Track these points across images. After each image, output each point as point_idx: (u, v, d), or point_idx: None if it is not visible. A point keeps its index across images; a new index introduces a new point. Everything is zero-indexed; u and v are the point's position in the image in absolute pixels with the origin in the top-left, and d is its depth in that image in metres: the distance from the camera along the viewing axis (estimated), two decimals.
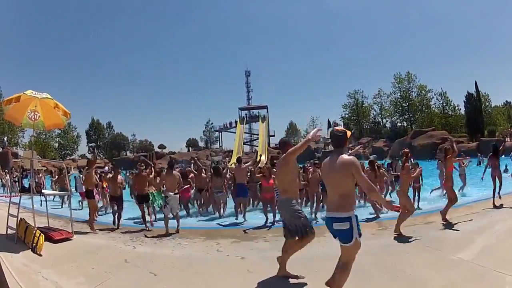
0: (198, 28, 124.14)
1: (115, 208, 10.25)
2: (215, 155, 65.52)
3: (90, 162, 10.78)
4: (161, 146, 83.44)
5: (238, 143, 60.52)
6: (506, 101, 71.31)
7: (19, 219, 7.70)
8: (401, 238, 7.24)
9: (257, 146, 63.77)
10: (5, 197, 17.77)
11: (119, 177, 10.39)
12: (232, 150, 61.11)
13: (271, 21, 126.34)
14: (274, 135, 70.94)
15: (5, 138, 57.30)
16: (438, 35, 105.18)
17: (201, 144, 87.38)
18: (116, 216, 10.05)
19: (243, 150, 62.63)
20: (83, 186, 11.30)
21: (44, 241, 7.03)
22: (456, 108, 69.23)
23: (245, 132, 67.59)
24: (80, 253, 6.91)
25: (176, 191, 9.27)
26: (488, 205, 9.67)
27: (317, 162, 12.35)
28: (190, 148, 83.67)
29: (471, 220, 8.21)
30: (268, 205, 9.97)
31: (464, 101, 63.81)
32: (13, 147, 60.66)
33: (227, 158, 39.36)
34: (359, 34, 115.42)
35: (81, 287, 5.09)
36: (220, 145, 78.92)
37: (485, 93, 67.00)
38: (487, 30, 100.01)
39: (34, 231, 7.06)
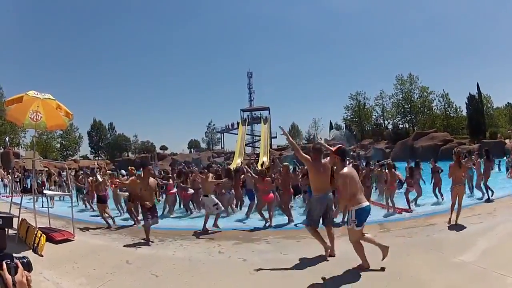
0: (200, 29, 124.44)
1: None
2: (217, 156, 65.65)
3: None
4: (163, 147, 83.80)
5: (240, 144, 60.51)
6: (508, 102, 71.14)
7: (20, 220, 7.71)
8: (402, 239, 7.27)
9: (259, 148, 63.89)
10: (6, 197, 17.84)
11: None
12: (234, 152, 61.18)
13: (272, 22, 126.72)
14: (276, 137, 70.79)
15: (7, 138, 57.65)
16: (440, 37, 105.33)
17: (203, 145, 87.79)
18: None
19: (245, 152, 62.70)
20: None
21: (46, 241, 7.06)
22: (458, 109, 69.21)
23: (247, 134, 67.53)
24: (82, 254, 6.91)
25: None
26: (489, 207, 9.66)
27: None
28: (192, 150, 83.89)
29: (472, 222, 8.17)
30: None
31: (466, 102, 63.74)
32: (15, 147, 60.83)
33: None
34: (360, 35, 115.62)
35: None
36: (222, 146, 78.92)
37: (487, 94, 66.97)
38: (489, 31, 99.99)
39: (36, 232, 7.08)
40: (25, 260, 1.42)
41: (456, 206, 8.53)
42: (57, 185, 18.08)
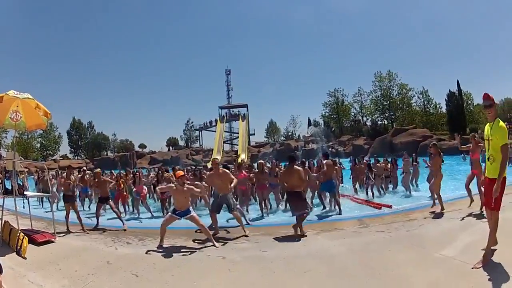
0: (178, 26, 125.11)
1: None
2: (195, 154, 65.52)
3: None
4: (142, 146, 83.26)
5: (218, 142, 60.66)
6: None
7: (3, 222, 7.71)
8: (382, 235, 7.28)
9: (237, 145, 63.97)
10: None
11: None
12: (212, 149, 61.19)
13: (251, 19, 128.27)
14: (254, 134, 71.58)
15: None
16: (421, 35, 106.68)
17: (182, 143, 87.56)
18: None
19: (223, 149, 62.83)
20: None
21: (28, 243, 7.09)
22: (438, 106, 70.25)
23: (225, 131, 67.82)
24: (64, 256, 6.92)
25: None
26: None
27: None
28: (171, 147, 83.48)
29: (453, 217, 8.21)
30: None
31: (445, 99, 64.74)
32: None
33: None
34: (340, 34, 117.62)
35: None
36: (201, 144, 79.23)
37: (467, 91, 68.10)
38: (470, 29, 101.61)
39: (18, 234, 7.10)
40: None
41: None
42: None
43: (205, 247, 7.30)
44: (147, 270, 5.92)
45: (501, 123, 4.84)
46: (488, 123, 5.07)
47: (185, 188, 7.78)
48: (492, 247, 5.04)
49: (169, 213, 8.05)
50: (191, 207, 8.10)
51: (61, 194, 13.08)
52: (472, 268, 4.72)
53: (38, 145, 76.68)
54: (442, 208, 8.94)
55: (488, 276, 4.46)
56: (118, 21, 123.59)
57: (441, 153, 9.73)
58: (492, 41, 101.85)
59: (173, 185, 8.25)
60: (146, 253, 7.08)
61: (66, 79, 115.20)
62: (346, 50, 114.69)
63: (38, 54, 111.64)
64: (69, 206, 9.72)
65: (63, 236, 8.72)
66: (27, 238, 7.12)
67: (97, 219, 10.17)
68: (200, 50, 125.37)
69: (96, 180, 10.64)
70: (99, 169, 11.73)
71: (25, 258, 6.66)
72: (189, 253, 6.97)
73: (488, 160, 4.96)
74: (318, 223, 9.32)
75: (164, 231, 7.65)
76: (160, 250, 7.25)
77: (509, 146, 4.82)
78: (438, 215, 8.60)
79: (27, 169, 21.38)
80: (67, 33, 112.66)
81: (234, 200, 9.40)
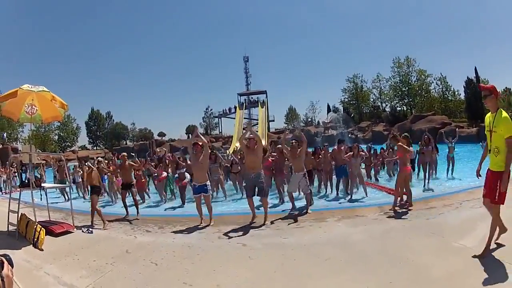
0: (195, 14, 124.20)
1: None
2: (215, 141, 65.72)
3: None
4: (161, 134, 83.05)
5: (238, 128, 60.15)
6: (506, 87, 70.82)
7: (20, 215, 7.69)
8: (402, 223, 7.24)
9: (257, 131, 63.91)
10: (5, 193, 17.81)
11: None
12: (232, 136, 61.16)
13: (269, 5, 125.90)
14: (273, 120, 71.01)
15: (5, 134, 57.50)
16: (438, 19, 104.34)
17: (201, 130, 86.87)
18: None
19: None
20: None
21: (45, 235, 7.05)
22: (456, 93, 69.08)
23: (244, 118, 67.33)
24: (82, 246, 6.90)
25: None
26: None
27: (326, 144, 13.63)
28: (190, 135, 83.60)
29: (472, 206, 8.03)
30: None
31: (464, 86, 63.63)
32: (13, 142, 60.69)
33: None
34: (357, 18, 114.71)
35: (83, 281, 5.04)
36: (220, 131, 78.88)
37: (485, 79, 66.58)
38: (487, 14, 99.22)
39: (35, 226, 7.06)
40: (8, 257, 1.48)
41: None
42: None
43: (225, 234, 7.22)
44: (167, 259, 5.85)
45: (504, 113, 4.71)
46: (489, 113, 4.95)
47: (201, 157, 8.53)
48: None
49: (194, 195, 8.71)
50: (208, 182, 8.72)
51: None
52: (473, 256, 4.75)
53: (56, 137, 77.54)
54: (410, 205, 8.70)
55: (507, 267, 4.38)
56: (136, 9, 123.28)
57: (411, 144, 9.39)
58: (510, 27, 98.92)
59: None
60: (166, 241, 7.01)
61: (84, 72, 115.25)
62: (363, 34, 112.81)
63: (55, 48, 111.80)
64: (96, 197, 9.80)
65: (81, 226, 8.64)
66: (44, 230, 7.06)
67: (126, 208, 10.04)
68: (218, 37, 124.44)
69: (121, 164, 10.59)
70: (124, 153, 11.48)
71: (42, 250, 6.63)
72: (210, 240, 6.91)
73: (492, 153, 4.79)
74: (339, 210, 9.19)
75: (200, 210, 8.51)
76: (180, 237, 7.19)
77: None
78: (457, 204, 8.43)
79: (44, 161, 21.57)
80: (85, 23, 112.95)
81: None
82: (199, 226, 8.11)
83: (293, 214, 8.75)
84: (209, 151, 9.81)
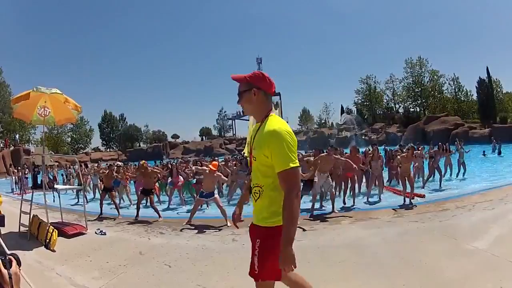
0: (209, 16, 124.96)
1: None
2: (229, 143, 65.83)
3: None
4: (175, 136, 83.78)
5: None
6: None
7: (32, 216, 7.70)
8: (416, 225, 7.21)
9: None
10: (17, 194, 17.93)
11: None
12: (246, 138, 61.31)
13: (282, 7, 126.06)
14: (287, 122, 70.50)
15: (17, 136, 58.07)
16: (450, 21, 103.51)
17: (215, 132, 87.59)
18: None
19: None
20: None
21: (58, 236, 7.05)
22: (469, 93, 68.51)
23: None
24: (95, 247, 6.87)
25: None
26: (501, 193, 9.56)
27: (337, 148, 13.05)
28: (204, 137, 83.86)
29: (484, 208, 8.11)
30: None
31: (476, 86, 63.09)
32: (25, 144, 61.26)
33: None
34: (371, 20, 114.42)
35: (95, 282, 4.99)
36: (234, 133, 79.45)
37: (496, 79, 66.04)
38: (499, 16, 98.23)
39: (47, 227, 7.06)
40: (16, 256, 1.49)
41: None
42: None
43: (240, 236, 7.10)
44: (180, 261, 5.80)
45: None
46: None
47: (215, 174, 9.33)
48: None
49: (198, 197, 9.57)
50: (216, 191, 9.58)
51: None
52: None
53: (69, 139, 78.22)
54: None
55: None
56: (150, 13, 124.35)
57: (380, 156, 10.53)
58: None
59: (206, 169, 9.45)
60: (180, 243, 6.98)
61: (98, 74, 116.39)
62: (376, 36, 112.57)
63: (69, 50, 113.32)
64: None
65: (95, 227, 8.61)
66: (57, 231, 7.06)
67: (157, 212, 9.95)
68: (232, 39, 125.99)
69: (143, 171, 10.66)
70: (144, 160, 11.66)
71: (54, 251, 6.62)
72: (224, 242, 6.87)
73: None
74: (354, 212, 9.21)
75: (194, 211, 9.07)
76: (194, 239, 7.16)
77: None
78: (470, 206, 8.46)
79: (57, 163, 21.73)
80: (100, 26, 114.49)
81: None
82: (213, 229, 8.09)
83: (311, 216, 8.86)
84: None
